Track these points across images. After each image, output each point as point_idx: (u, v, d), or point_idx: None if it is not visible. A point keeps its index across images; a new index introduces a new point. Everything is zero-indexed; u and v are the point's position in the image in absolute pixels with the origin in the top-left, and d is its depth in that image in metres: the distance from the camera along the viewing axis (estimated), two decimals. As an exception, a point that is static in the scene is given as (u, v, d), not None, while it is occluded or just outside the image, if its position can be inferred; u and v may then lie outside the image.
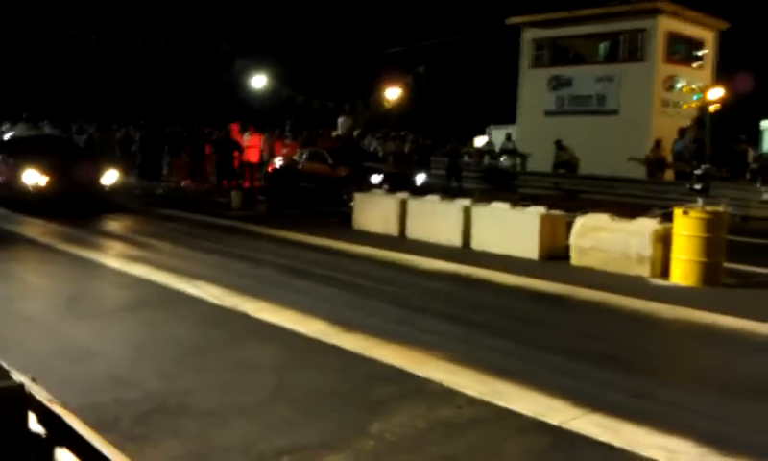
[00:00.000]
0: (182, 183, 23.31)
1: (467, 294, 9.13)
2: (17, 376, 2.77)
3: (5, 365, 2.88)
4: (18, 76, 36.76)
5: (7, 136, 20.86)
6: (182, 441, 4.45)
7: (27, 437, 2.76)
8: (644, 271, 10.02)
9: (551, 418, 4.88)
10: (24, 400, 2.71)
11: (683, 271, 9.58)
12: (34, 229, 13.25)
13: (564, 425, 4.76)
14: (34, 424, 2.73)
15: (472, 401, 5.19)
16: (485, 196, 14.26)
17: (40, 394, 2.74)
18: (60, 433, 2.64)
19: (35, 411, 2.74)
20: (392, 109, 34.14)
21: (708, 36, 24.78)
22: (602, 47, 25.26)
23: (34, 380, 2.80)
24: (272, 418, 4.84)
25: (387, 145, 25.76)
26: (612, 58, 24.68)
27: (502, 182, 22.12)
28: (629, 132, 22.56)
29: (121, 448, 2.52)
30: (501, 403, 5.13)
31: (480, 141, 32.95)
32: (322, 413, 4.92)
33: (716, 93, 20.32)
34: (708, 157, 17.85)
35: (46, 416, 2.73)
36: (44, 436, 2.76)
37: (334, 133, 27.35)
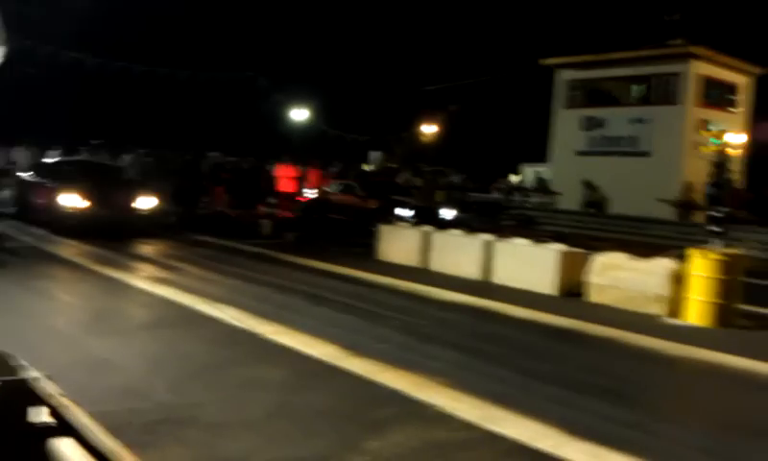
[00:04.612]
0: (220, 210, 23.77)
1: (478, 325, 9.30)
2: (34, 373, 3.04)
3: (23, 362, 3.15)
4: (66, 106, 38.03)
5: (49, 160, 21.59)
6: (186, 448, 4.70)
7: (30, 427, 2.99)
8: (660, 310, 10.09)
9: (540, 443, 5.03)
10: (26, 392, 2.93)
11: (696, 311, 9.65)
12: (69, 249, 13.73)
13: (550, 451, 4.91)
14: (44, 416, 2.99)
15: (467, 425, 5.36)
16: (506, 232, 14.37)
17: (50, 388, 3.00)
18: (65, 424, 2.88)
19: (44, 404, 3.00)
20: (427, 145, 34.52)
21: (742, 80, 24.81)
22: (635, 89, 25.41)
23: (49, 378, 3.06)
24: (273, 432, 5.07)
25: (416, 180, 26.12)
26: (645, 100, 24.80)
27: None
28: (660, 173, 22.62)
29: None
30: (494, 428, 5.29)
31: (515, 179, 33.18)
32: (321, 430, 5.14)
33: (739, 138, 20.31)
34: (727, 200, 17.78)
35: (53, 408, 2.98)
36: (50, 426, 3.00)
37: (366, 167, 27.80)
